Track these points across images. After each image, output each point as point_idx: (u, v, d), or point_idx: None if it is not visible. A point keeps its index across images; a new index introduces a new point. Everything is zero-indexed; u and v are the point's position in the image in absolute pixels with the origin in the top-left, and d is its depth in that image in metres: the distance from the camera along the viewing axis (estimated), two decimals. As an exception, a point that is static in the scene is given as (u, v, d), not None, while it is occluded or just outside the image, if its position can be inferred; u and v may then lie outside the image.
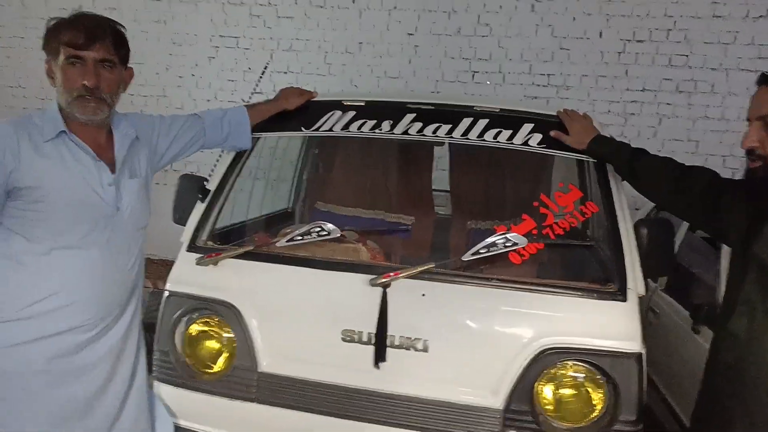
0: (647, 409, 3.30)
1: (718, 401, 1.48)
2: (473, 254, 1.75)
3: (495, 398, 1.67)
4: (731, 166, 4.63)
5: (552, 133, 1.95)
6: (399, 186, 2.59)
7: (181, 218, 2.07)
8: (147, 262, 1.86)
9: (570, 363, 1.64)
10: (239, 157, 2.13)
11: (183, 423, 1.88)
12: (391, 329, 1.71)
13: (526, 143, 1.96)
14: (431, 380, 1.71)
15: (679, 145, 4.84)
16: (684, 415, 2.76)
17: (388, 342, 1.71)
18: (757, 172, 1.37)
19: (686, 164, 1.71)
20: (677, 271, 3.23)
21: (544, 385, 1.65)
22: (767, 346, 1.34)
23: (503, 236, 1.74)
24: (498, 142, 1.96)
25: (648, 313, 3.35)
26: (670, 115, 4.87)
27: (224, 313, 1.84)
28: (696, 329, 2.70)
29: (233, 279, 1.86)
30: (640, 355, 1.61)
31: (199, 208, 2.04)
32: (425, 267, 1.75)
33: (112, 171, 1.62)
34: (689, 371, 2.74)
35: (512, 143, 1.96)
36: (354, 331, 1.74)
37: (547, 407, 1.65)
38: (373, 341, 1.72)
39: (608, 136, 1.96)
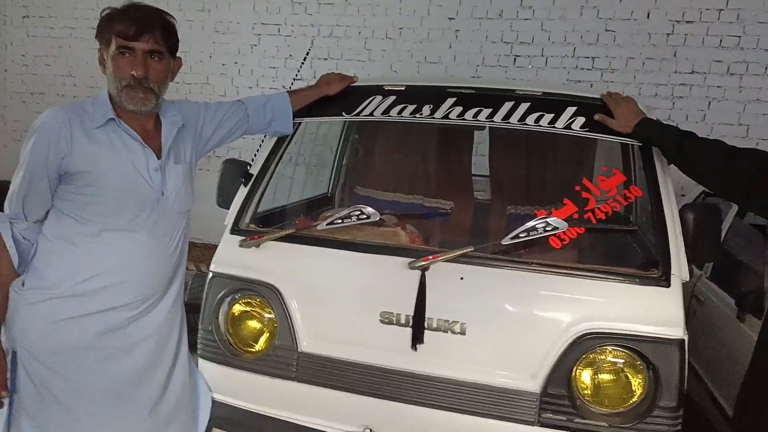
0: (688, 397, 3.26)
1: (765, 390, 1.45)
2: (513, 238, 1.74)
3: (533, 382, 1.67)
4: (785, 151, 4.45)
5: (596, 117, 1.92)
6: (438, 171, 2.59)
7: (224, 202, 2.12)
8: (190, 246, 1.92)
9: (610, 348, 1.63)
10: (281, 142, 2.17)
11: (225, 399, 1.94)
12: (429, 312, 1.73)
13: (568, 127, 1.93)
14: (468, 363, 1.72)
15: (729, 129, 4.67)
16: (726, 404, 2.70)
17: (426, 324, 1.73)
18: None
19: (737, 146, 1.66)
20: (724, 257, 3.15)
21: (582, 369, 1.64)
22: None
23: (543, 220, 1.73)
24: (540, 125, 1.94)
25: (692, 300, 3.27)
26: (720, 98, 4.70)
27: (266, 293, 1.88)
28: (741, 317, 2.63)
29: (274, 261, 1.90)
30: (682, 341, 1.59)
31: (242, 192, 2.08)
32: (464, 251, 1.75)
33: (159, 157, 1.68)
34: (733, 360, 2.67)
35: (554, 127, 1.93)
36: (392, 313, 1.76)
37: (585, 392, 1.64)
38: (410, 323, 1.73)
39: (654, 119, 1.91)
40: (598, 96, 2.03)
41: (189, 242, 1.88)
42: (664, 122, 1.90)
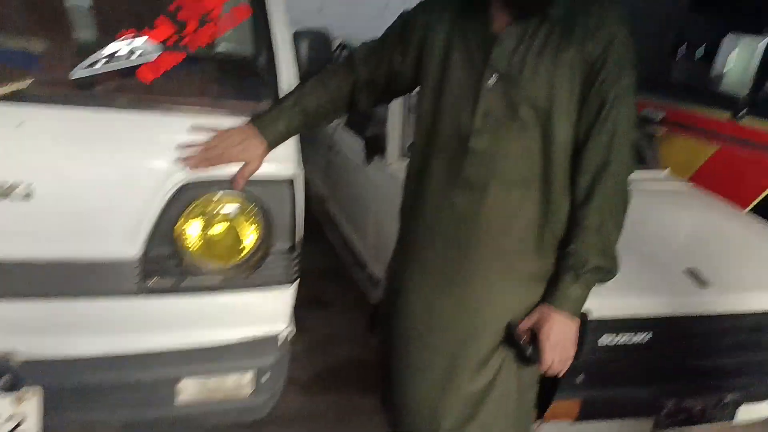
0: (329, 244, 3.44)
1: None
2: (88, 68, 1.33)
3: (130, 246, 1.36)
4: None
5: None
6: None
7: None
8: None
9: (218, 196, 1.40)
10: None
11: None
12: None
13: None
14: (40, 236, 1.32)
15: None
16: (359, 246, 2.86)
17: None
18: None
19: None
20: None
21: (188, 223, 1.39)
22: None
23: (128, 43, 1.35)
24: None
25: (329, 150, 3.34)
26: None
27: None
28: (368, 161, 2.73)
29: None
30: (291, 180, 1.44)
31: None
32: (18, 85, 1.28)
33: None
34: (362, 204, 2.81)
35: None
36: None
37: (194, 248, 1.41)
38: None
39: None
40: None
41: None
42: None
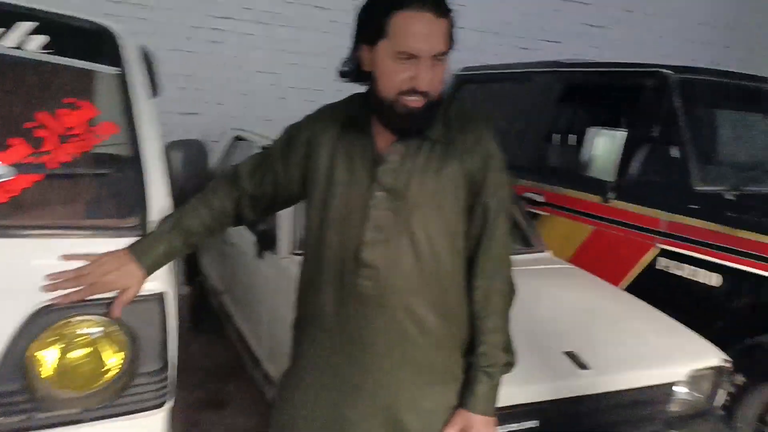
0: (228, 339, 3.32)
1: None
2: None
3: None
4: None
5: None
6: None
7: None
8: None
9: (78, 318, 1.33)
10: None
11: None
12: None
13: (20, 47, 1.51)
14: None
15: (263, 77, 4.89)
16: (253, 341, 2.79)
17: None
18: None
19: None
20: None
21: (42, 350, 1.30)
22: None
23: None
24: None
25: (224, 243, 3.29)
26: (252, 46, 4.85)
27: None
28: (261, 254, 2.71)
29: None
30: (161, 295, 1.40)
31: None
32: None
33: None
34: (255, 297, 2.77)
35: (-3, 45, 1.47)
36: None
37: (48, 378, 1.31)
38: None
39: None
40: (71, 14, 1.65)
41: None
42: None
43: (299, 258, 2.51)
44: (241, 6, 4.75)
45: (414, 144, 1.32)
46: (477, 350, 1.36)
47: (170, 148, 1.59)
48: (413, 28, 1.20)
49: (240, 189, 1.46)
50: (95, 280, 1.32)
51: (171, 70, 4.54)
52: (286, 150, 1.44)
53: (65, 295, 1.30)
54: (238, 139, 3.94)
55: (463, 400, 1.37)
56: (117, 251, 1.36)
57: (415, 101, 1.25)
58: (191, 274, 4.34)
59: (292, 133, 1.46)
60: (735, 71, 3.68)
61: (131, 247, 1.37)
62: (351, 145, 1.36)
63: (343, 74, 1.39)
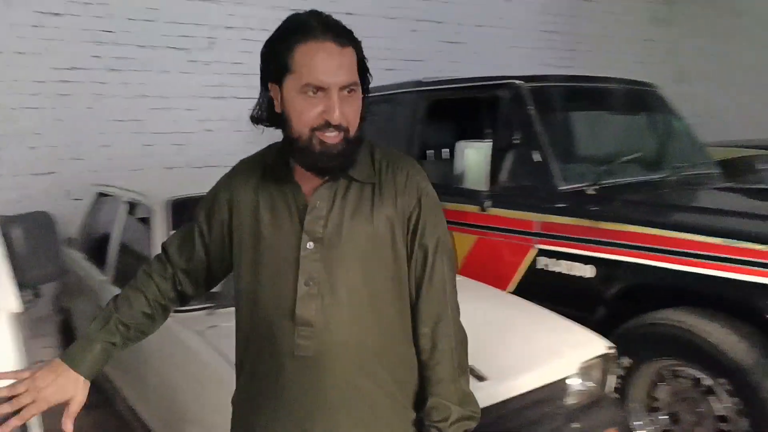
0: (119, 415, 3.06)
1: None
2: None
3: None
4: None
5: None
6: None
7: None
8: None
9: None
10: None
11: None
12: None
13: None
14: None
15: (122, 126, 4.63)
16: (152, 421, 2.59)
17: None
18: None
19: None
20: (127, 257, 3.02)
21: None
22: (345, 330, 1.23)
23: None
24: None
25: (98, 310, 3.05)
26: (106, 94, 4.59)
27: None
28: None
29: None
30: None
31: None
32: None
33: None
34: (141, 366, 2.58)
35: None
36: None
37: None
38: None
39: None
40: None
41: None
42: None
43: (183, 315, 2.43)
44: (89, 55, 4.48)
45: (342, 187, 1.25)
46: (426, 404, 1.26)
47: (7, 225, 1.43)
48: (315, 60, 1.15)
49: (173, 266, 1.39)
50: (34, 398, 1.20)
51: (18, 130, 4.23)
52: (209, 216, 1.36)
53: (5, 424, 1.17)
54: (102, 195, 3.69)
55: None
56: (49, 363, 1.26)
57: (331, 137, 1.17)
58: (68, 345, 3.99)
59: (210, 197, 1.38)
60: (581, 75, 3.98)
61: (63, 356, 1.28)
62: (274, 196, 1.27)
63: (255, 119, 1.29)
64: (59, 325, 4.20)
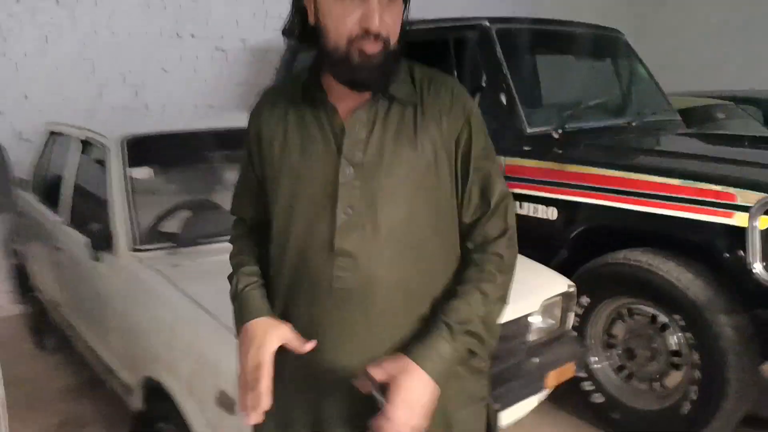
0: (75, 351, 3.03)
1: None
2: None
3: None
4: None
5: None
6: None
7: None
8: None
9: None
10: None
11: None
12: None
13: None
14: None
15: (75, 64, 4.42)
16: (112, 360, 2.55)
17: None
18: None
19: None
20: (79, 198, 2.92)
21: None
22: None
23: None
24: None
25: (56, 251, 2.97)
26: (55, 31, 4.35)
27: None
28: (97, 257, 2.46)
29: None
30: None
31: None
32: None
33: None
34: (97, 300, 2.53)
35: None
36: None
37: None
38: None
39: None
40: None
41: None
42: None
43: (143, 254, 2.37)
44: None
45: (382, 108, 1.15)
46: (448, 304, 1.14)
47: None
48: None
49: (252, 221, 1.34)
50: (255, 366, 1.14)
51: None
52: (249, 159, 1.28)
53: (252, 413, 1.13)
54: (55, 134, 3.53)
55: (411, 348, 1.13)
56: (242, 336, 1.21)
57: (370, 47, 1.07)
58: (23, 289, 3.90)
59: (246, 138, 1.29)
60: (547, 18, 3.93)
61: (244, 319, 1.21)
62: (306, 120, 1.18)
63: (287, 32, 1.19)
64: (11, 268, 4.08)
